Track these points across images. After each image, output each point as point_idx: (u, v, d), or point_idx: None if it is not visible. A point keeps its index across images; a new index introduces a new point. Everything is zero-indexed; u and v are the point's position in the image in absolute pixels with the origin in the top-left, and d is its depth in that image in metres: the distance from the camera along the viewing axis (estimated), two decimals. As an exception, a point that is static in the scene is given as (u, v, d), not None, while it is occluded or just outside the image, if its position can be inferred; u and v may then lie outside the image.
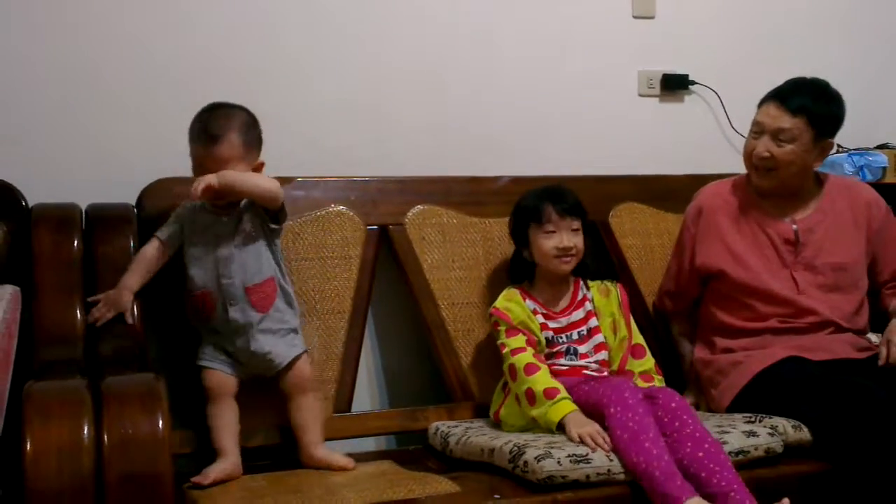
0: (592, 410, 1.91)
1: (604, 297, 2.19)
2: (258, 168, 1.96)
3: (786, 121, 2.16)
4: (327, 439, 2.16)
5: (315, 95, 2.40)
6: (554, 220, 2.13)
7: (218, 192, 1.88)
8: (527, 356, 2.03)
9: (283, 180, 2.22)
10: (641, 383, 2.09)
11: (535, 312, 2.13)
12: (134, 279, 1.94)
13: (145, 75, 2.25)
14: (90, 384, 1.58)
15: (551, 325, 2.13)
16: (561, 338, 2.13)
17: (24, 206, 2.03)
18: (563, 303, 2.17)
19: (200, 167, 1.90)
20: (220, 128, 1.89)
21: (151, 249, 1.96)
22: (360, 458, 2.11)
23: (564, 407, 1.93)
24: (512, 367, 2.04)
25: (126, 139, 2.24)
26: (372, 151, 2.43)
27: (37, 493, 1.43)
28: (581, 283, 2.21)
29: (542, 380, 1.99)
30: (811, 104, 2.16)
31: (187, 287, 1.97)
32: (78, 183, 2.13)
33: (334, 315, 2.20)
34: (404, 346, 2.40)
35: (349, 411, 2.18)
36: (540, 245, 2.13)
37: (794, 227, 2.24)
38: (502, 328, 2.10)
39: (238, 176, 1.89)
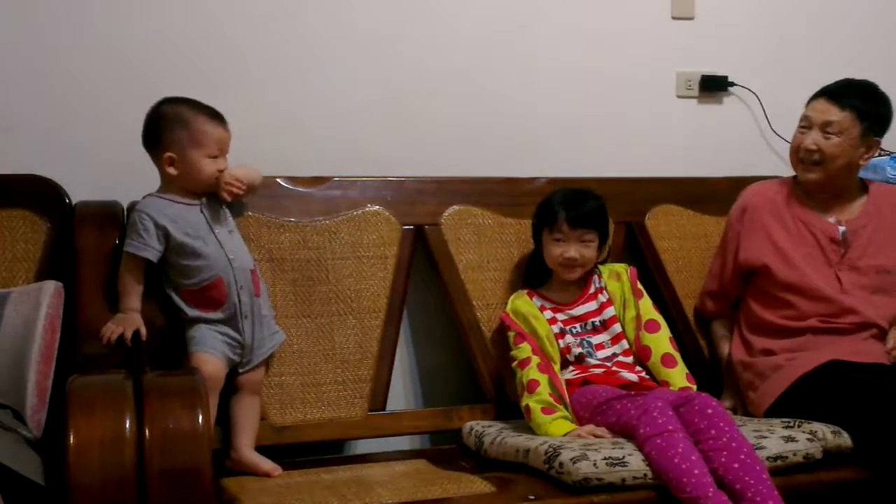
0: (623, 431, 1.90)
1: (616, 282, 2.21)
2: None
3: (834, 114, 2.17)
4: (363, 437, 2.19)
5: (352, 96, 2.41)
6: (564, 230, 2.15)
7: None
8: (530, 371, 2.06)
9: (320, 180, 2.26)
10: (663, 369, 2.08)
11: (542, 309, 2.16)
12: (134, 301, 1.90)
13: (184, 76, 2.26)
14: (132, 378, 1.60)
15: (560, 317, 2.16)
16: (574, 328, 2.14)
17: (67, 203, 2.07)
18: (574, 295, 2.19)
19: (217, 149, 1.93)
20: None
21: (136, 271, 1.90)
22: (395, 456, 2.13)
23: (563, 426, 1.97)
24: (520, 382, 2.08)
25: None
26: (408, 152, 2.43)
27: (79, 485, 1.45)
28: (595, 275, 2.21)
29: (541, 397, 2.02)
30: (860, 102, 2.18)
31: (189, 283, 1.91)
32: (120, 181, 2.15)
33: (370, 314, 2.21)
34: (439, 346, 2.41)
35: (384, 410, 2.19)
36: (548, 250, 2.18)
37: (842, 228, 2.24)
38: (511, 335, 2.15)
39: (249, 171, 1.99)
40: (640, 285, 2.22)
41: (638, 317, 2.16)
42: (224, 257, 1.93)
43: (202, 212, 1.95)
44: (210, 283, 1.91)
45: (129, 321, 1.87)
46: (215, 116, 1.94)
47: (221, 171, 1.93)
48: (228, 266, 1.92)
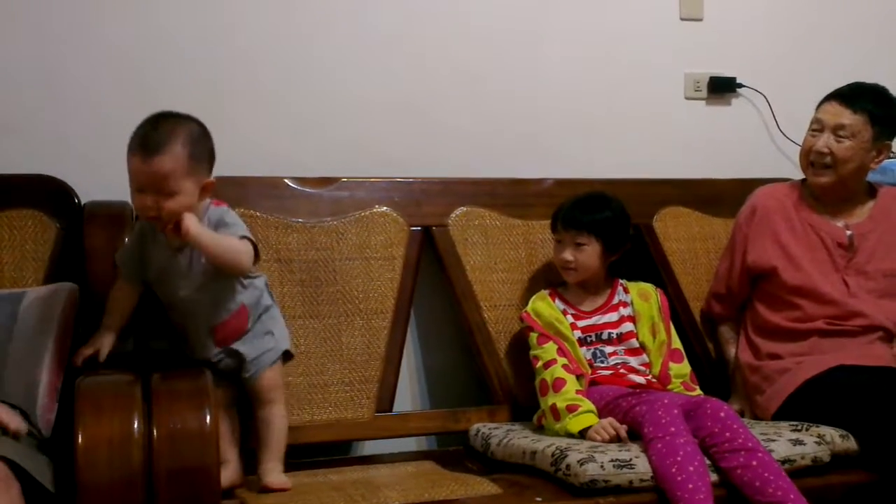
0: (630, 428, 1.90)
1: (644, 301, 2.19)
2: (208, 187, 1.77)
3: (847, 116, 2.18)
4: (370, 438, 2.19)
5: (360, 97, 2.41)
6: (559, 230, 2.17)
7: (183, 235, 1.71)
8: (556, 369, 2.04)
9: (328, 181, 2.27)
10: (682, 391, 2.08)
11: (564, 313, 2.15)
12: (113, 320, 1.84)
13: (191, 78, 2.27)
14: (140, 379, 1.61)
15: (580, 324, 2.14)
16: (589, 337, 2.13)
17: (76, 203, 2.07)
18: (596, 304, 2.18)
19: (138, 184, 1.71)
20: (161, 138, 1.70)
21: (119, 293, 1.85)
22: (401, 457, 2.14)
23: (586, 419, 1.95)
24: (543, 381, 2.05)
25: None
26: (416, 153, 2.44)
27: (88, 484, 1.46)
28: (620, 286, 2.20)
29: (568, 395, 2.00)
30: (873, 105, 2.19)
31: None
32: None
33: (377, 315, 2.21)
34: (446, 347, 2.41)
35: (391, 411, 2.19)
36: (553, 250, 2.18)
37: (849, 232, 2.24)
38: (533, 336, 2.12)
39: (211, 238, 1.72)
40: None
41: (667, 343, 2.15)
42: (181, 313, 1.82)
43: (178, 264, 1.77)
44: (173, 321, 1.86)
45: (96, 341, 1.82)
46: (134, 146, 1.72)
47: (149, 208, 1.71)
48: (184, 321, 1.82)
